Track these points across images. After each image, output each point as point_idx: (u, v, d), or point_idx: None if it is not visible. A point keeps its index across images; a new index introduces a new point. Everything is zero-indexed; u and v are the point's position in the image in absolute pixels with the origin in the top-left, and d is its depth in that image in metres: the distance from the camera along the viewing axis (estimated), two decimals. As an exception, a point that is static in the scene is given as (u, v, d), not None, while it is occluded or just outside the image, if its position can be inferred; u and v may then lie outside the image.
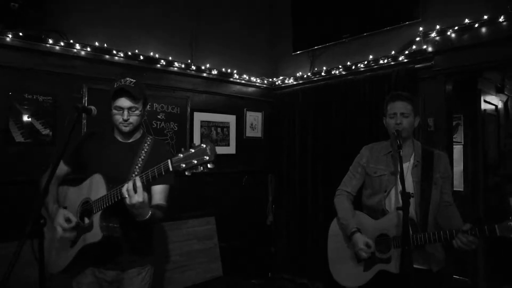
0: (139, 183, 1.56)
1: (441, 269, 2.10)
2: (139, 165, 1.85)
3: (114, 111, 1.84)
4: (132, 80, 1.87)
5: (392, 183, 2.14)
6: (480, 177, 3.78)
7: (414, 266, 1.91)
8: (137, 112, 1.87)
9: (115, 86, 1.84)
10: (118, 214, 1.67)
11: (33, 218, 1.45)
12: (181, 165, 1.46)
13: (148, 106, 3.36)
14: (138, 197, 1.56)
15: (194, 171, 1.45)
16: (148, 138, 2.00)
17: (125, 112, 1.83)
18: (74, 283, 1.93)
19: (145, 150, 1.91)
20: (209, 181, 4.06)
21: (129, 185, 1.56)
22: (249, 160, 4.47)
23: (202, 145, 1.44)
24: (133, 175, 1.79)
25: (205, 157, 1.42)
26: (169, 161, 1.49)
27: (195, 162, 1.43)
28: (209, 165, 1.44)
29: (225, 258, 3.97)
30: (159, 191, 1.90)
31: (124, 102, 1.82)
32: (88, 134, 2.08)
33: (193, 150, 1.45)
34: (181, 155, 1.46)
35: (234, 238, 4.20)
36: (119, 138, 1.96)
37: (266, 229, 4.53)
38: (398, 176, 1.98)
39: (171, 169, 1.48)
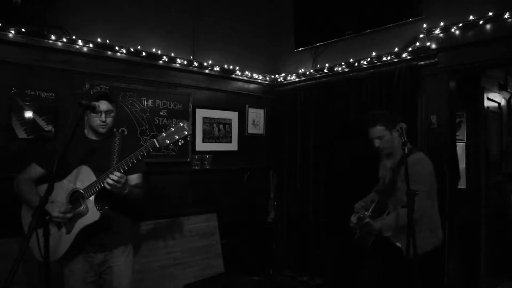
0: (118, 174, 1.88)
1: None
2: (116, 155, 2.14)
3: (93, 114, 2.08)
4: (106, 87, 2.23)
5: None
6: (482, 175, 3.77)
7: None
8: (113, 114, 2.15)
9: (93, 92, 2.17)
10: (108, 197, 1.96)
11: (38, 213, 1.45)
12: (166, 141, 1.82)
13: (150, 102, 3.39)
14: (118, 183, 1.87)
15: (175, 143, 1.84)
16: (116, 133, 2.30)
17: (103, 115, 2.09)
18: (67, 271, 2.08)
19: (117, 143, 2.20)
20: (211, 178, 4.06)
21: (113, 177, 1.86)
22: (251, 157, 4.46)
23: (179, 123, 1.83)
24: (113, 162, 2.08)
25: (184, 131, 1.82)
26: (155, 140, 1.84)
27: (177, 137, 1.82)
28: (188, 138, 1.84)
29: (227, 255, 3.99)
30: (135, 178, 2.20)
31: (103, 105, 2.08)
32: (62, 140, 2.11)
33: (173, 129, 1.82)
34: (164, 134, 1.84)
35: (235, 235, 4.21)
36: (93, 137, 2.19)
37: (268, 226, 4.53)
38: None
39: (157, 146, 1.84)
